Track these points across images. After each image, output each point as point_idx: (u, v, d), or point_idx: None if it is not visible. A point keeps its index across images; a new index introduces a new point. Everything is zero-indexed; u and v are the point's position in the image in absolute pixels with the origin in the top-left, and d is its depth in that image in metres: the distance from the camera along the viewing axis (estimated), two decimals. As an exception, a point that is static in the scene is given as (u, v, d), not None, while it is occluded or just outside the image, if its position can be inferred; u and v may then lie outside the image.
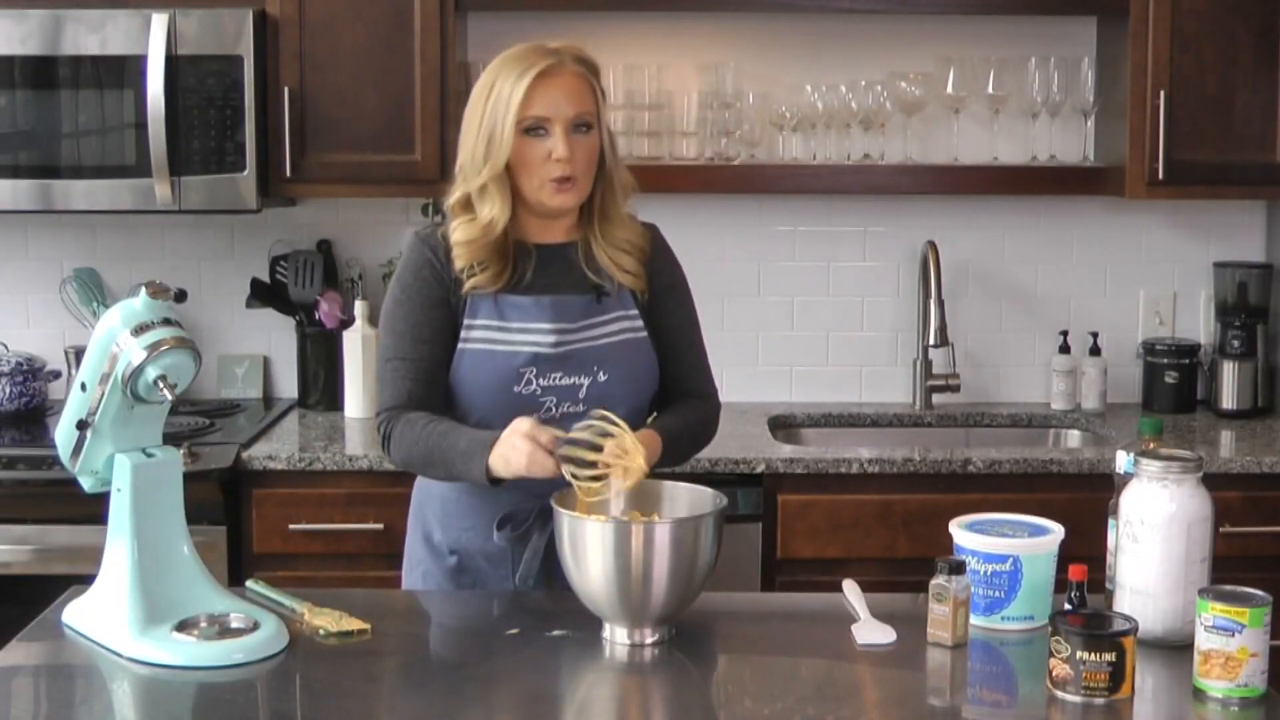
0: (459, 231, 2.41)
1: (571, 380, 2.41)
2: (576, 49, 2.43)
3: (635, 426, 2.35)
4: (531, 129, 2.36)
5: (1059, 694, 1.93)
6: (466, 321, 2.41)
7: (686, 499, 2.22)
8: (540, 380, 2.40)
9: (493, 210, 2.38)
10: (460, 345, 2.41)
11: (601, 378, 2.42)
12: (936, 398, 3.90)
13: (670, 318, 2.54)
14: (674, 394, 2.55)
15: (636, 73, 3.77)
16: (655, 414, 2.52)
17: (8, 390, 3.68)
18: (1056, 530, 2.23)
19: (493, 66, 2.40)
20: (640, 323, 2.49)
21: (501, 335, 2.41)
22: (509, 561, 2.41)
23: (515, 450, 2.21)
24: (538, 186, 2.38)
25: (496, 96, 2.36)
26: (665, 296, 2.54)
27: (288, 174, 3.55)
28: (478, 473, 2.27)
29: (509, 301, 2.41)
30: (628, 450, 2.19)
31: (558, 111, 2.36)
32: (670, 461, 2.41)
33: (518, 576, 2.40)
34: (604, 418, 2.21)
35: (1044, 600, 2.18)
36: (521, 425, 2.23)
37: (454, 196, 2.43)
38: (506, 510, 2.39)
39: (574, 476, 2.18)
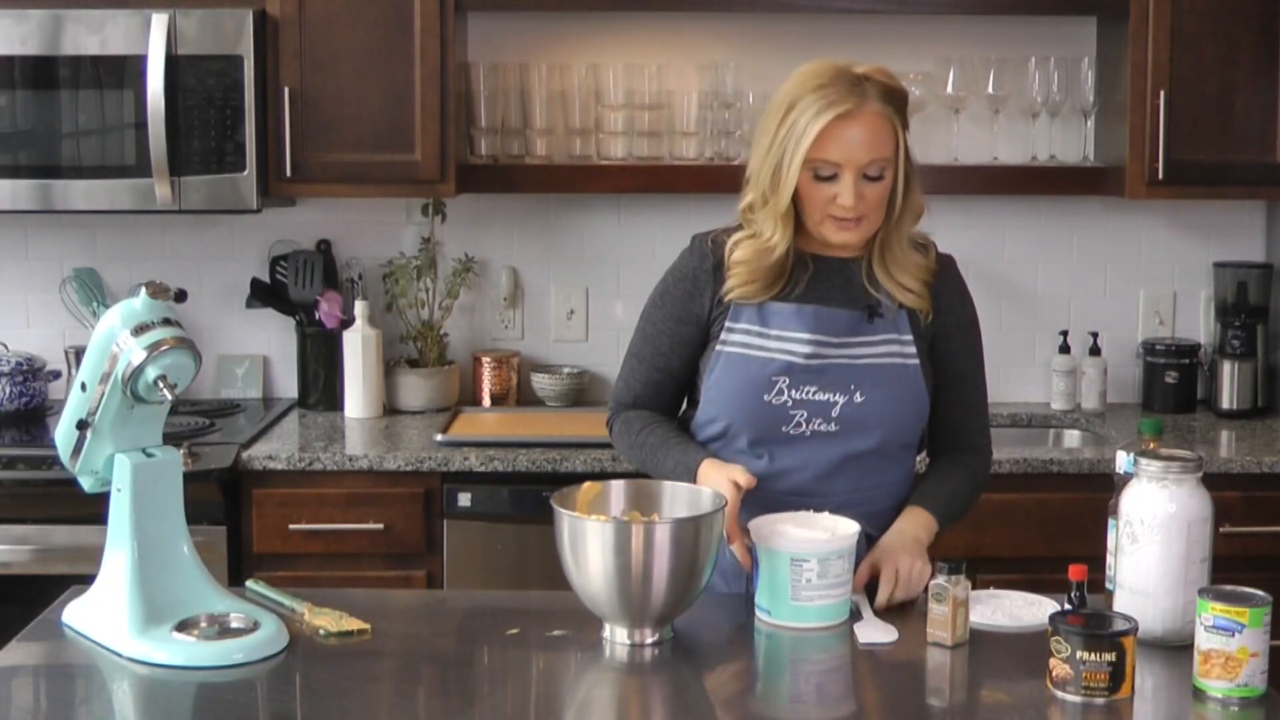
0: (739, 250, 2.34)
1: (826, 396, 2.32)
2: (883, 77, 2.28)
3: (890, 455, 2.37)
4: (820, 173, 2.26)
5: (1059, 694, 1.93)
6: (728, 325, 2.35)
7: (686, 499, 2.22)
8: (793, 392, 2.32)
9: (774, 237, 2.31)
10: (718, 348, 2.36)
11: (858, 398, 2.33)
12: (936, 398, 3.90)
13: (955, 358, 2.45)
14: (943, 442, 2.49)
15: (636, 73, 3.77)
16: (922, 476, 2.46)
17: (8, 390, 3.68)
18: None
19: (794, 84, 2.27)
20: (913, 349, 2.37)
21: (759, 341, 2.34)
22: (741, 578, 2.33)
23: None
24: (819, 221, 2.30)
25: (791, 127, 2.24)
26: (954, 334, 2.44)
27: (288, 174, 3.55)
28: None
29: (772, 308, 2.34)
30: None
31: (850, 159, 2.24)
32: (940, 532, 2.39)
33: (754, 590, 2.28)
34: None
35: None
36: (729, 472, 2.23)
37: (744, 200, 2.34)
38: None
39: None
